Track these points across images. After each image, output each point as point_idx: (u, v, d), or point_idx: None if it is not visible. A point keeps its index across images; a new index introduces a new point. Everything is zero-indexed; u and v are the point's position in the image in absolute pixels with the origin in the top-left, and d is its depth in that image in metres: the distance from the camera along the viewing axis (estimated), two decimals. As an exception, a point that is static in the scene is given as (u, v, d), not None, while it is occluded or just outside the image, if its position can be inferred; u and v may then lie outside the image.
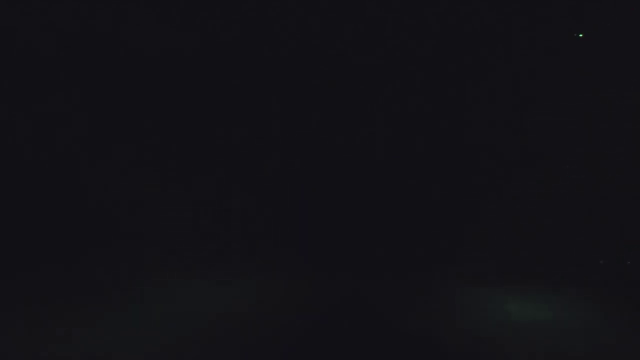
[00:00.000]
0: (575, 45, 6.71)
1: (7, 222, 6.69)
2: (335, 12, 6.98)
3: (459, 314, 4.62)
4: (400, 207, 7.25)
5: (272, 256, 6.90)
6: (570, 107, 6.82)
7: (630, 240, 6.38)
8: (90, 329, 3.95)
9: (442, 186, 7.17)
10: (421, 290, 5.49)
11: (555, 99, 6.88)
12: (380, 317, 4.49)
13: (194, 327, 4.05)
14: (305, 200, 7.13)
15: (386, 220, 7.23)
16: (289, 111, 7.10)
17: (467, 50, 7.03)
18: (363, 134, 7.23)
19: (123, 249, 6.95)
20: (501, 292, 5.37)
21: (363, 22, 7.04)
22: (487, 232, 7.04)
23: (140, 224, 7.17)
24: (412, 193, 7.22)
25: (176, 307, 4.59)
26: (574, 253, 6.58)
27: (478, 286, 5.63)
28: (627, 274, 6.14)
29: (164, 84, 7.15)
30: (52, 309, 4.45)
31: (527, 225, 6.93)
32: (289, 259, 6.88)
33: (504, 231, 7.01)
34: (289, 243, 7.15)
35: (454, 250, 7.06)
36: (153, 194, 7.18)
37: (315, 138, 7.21)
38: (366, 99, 7.13)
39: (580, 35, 5.52)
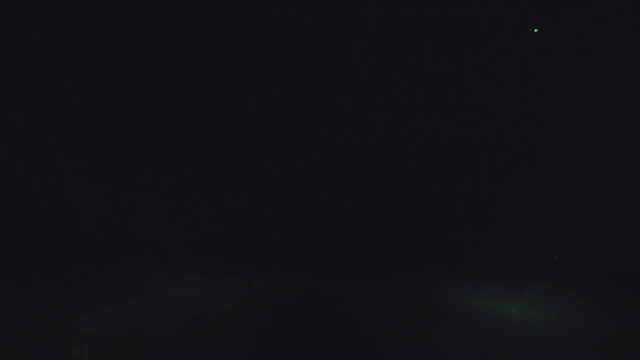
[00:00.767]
0: (574, 46, 6.71)
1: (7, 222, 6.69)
2: (335, 11, 6.98)
3: (455, 314, 4.62)
4: (398, 207, 7.25)
5: (264, 256, 6.92)
6: (567, 107, 6.82)
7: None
8: (89, 328, 3.95)
9: (437, 186, 7.19)
10: (414, 289, 5.48)
11: (554, 99, 6.88)
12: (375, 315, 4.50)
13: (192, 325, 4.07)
14: (297, 201, 7.14)
15: (383, 220, 7.23)
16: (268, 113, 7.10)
17: (467, 50, 7.03)
18: (361, 134, 7.23)
19: (122, 249, 6.95)
20: (498, 291, 5.37)
21: (363, 21, 7.03)
22: (484, 231, 7.05)
23: (139, 224, 7.17)
24: (410, 193, 7.23)
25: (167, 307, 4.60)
26: (567, 253, 6.59)
27: (472, 285, 5.63)
28: (555, 268, 6.21)
29: (163, 84, 7.14)
30: (50, 308, 4.45)
31: (524, 224, 6.95)
32: (282, 259, 6.88)
33: (502, 231, 7.02)
34: (281, 243, 7.16)
35: (451, 250, 7.06)
36: (147, 193, 7.18)
37: (306, 139, 7.21)
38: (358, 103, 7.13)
39: (535, 30, 5.53)
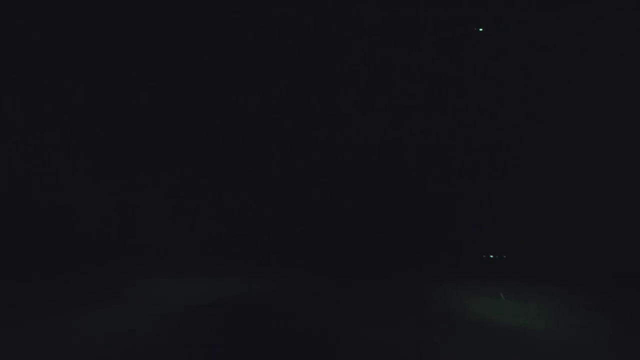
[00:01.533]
0: (574, 46, 6.71)
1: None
2: (335, 11, 6.98)
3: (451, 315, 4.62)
4: (398, 207, 7.25)
5: (264, 256, 6.92)
6: (567, 107, 6.82)
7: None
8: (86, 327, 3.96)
9: (437, 186, 7.19)
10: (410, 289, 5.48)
11: (554, 99, 6.88)
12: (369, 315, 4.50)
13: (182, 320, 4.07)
14: (294, 201, 7.15)
15: (383, 220, 7.23)
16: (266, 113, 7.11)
17: (467, 50, 7.03)
18: (361, 135, 7.23)
19: (121, 250, 6.95)
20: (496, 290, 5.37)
21: (363, 21, 7.03)
22: (481, 230, 7.05)
23: (139, 224, 7.17)
24: (410, 193, 7.23)
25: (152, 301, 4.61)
26: (565, 253, 6.59)
27: (470, 285, 5.63)
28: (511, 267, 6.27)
29: (163, 84, 7.14)
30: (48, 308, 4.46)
31: (521, 224, 6.95)
32: (282, 259, 6.88)
33: (501, 230, 7.02)
34: (281, 243, 7.16)
35: (451, 250, 7.06)
36: (148, 194, 7.19)
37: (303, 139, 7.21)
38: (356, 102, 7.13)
39: (480, 30, 5.54)
